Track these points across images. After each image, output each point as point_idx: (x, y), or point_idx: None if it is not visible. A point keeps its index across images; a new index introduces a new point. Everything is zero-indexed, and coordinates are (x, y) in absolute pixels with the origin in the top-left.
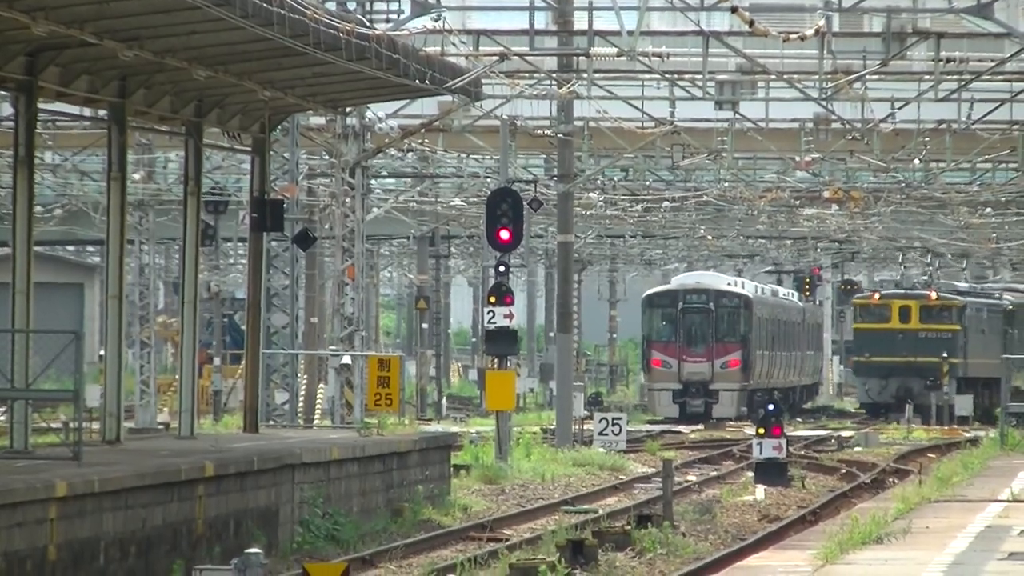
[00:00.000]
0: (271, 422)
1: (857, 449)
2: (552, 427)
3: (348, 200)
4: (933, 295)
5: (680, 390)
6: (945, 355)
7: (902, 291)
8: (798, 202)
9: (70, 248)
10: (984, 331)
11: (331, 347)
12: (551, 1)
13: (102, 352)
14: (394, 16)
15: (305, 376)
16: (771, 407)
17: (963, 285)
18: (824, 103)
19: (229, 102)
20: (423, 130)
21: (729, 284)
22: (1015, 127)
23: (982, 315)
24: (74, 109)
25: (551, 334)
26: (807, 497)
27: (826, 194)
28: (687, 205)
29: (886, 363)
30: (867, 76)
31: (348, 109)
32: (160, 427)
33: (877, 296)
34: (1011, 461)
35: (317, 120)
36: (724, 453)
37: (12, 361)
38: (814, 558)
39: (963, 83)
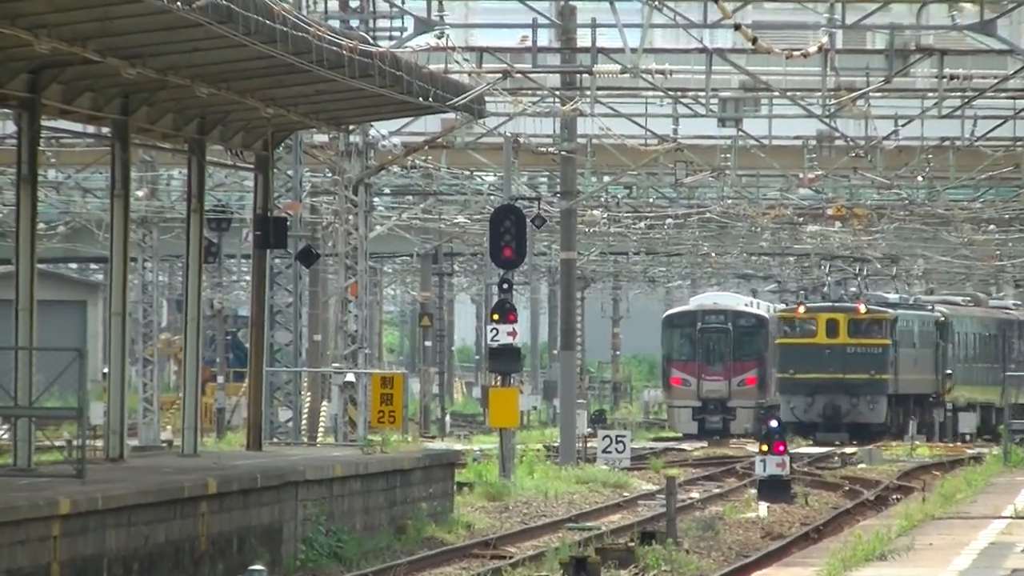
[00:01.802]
0: (274, 439)
1: (860, 466)
2: (555, 444)
3: (351, 217)
4: (862, 308)
5: (699, 407)
6: (874, 372)
7: (828, 304)
8: (801, 219)
9: (73, 266)
10: (915, 344)
11: (335, 364)
12: (554, 18)
13: (105, 370)
14: (397, 33)
15: (308, 393)
16: (774, 424)
17: (893, 296)
18: (827, 120)
19: (232, 119)
20: (426, 147)
21: (746, 304)
22: (1018, 144)
23: (913, 328)
24: (77, 127)
25: (554, 351)
26: (810, 514)
27: (829, 211)
28: (690, 222)
29: (812, 380)
30: (870, 93)
31: (351, 127)
32: (163, 445)
33: (802, 309)
34: (1014, 478)
35: (320, 137)
36: (727, 470)
37: (15, 379)
38: (818, 575)
39: (966, 100)
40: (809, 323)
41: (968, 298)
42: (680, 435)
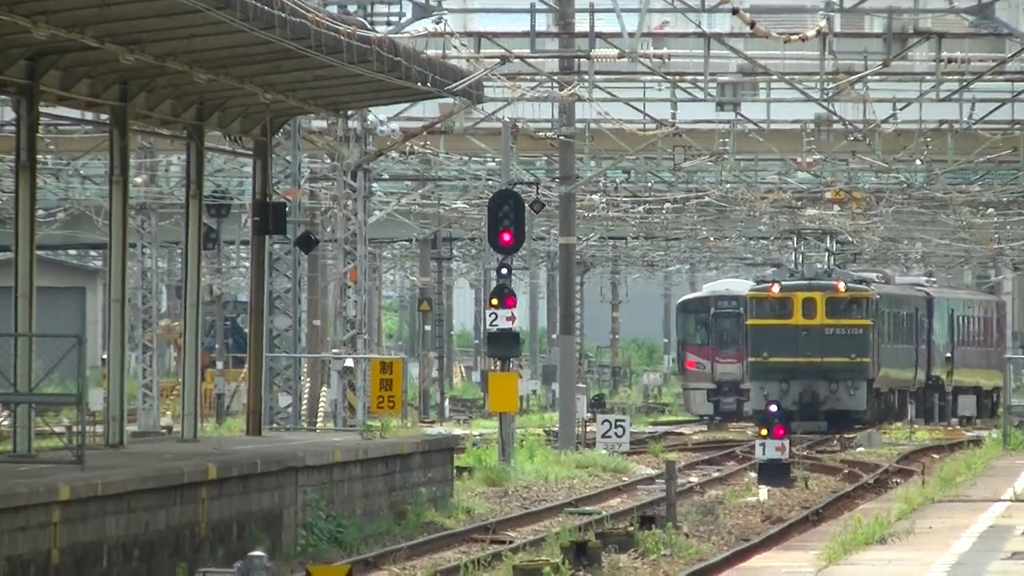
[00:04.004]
0: (274, 425)
1: (860, 449)
2: (555, 429)
3: (350, 203)
4: (841, 286)
5: (713, 389)
6: (854, 355)
7: (805, 282)
8: (800, 203)
9: (72, 252)
10: None
11: (334, 350)
12: (552, 3)
13: (105, 356)
14: (395, 19)
15: (308, 379)
16: (774, 408)
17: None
18: (825, 104)
19: (230, 105)
20: (425, 132)
21: None
22: (1016, 127)
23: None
24: (76, 113)
25: (553, 336)
26: (810, 498)
27: (828, 195)
28: (689, 207)
29: (787, 364)
30: (868, 77)
31: (349, 112)
32: (163, 431)
33: (776, 288)
34: (1014, 461)
35: (319, 123)
36: (727, 454)
37: (15, 365)
38: (817, 559)
39: (964, 83)
40: (784, 303)
41: (880, 275)
42: (684, 418)
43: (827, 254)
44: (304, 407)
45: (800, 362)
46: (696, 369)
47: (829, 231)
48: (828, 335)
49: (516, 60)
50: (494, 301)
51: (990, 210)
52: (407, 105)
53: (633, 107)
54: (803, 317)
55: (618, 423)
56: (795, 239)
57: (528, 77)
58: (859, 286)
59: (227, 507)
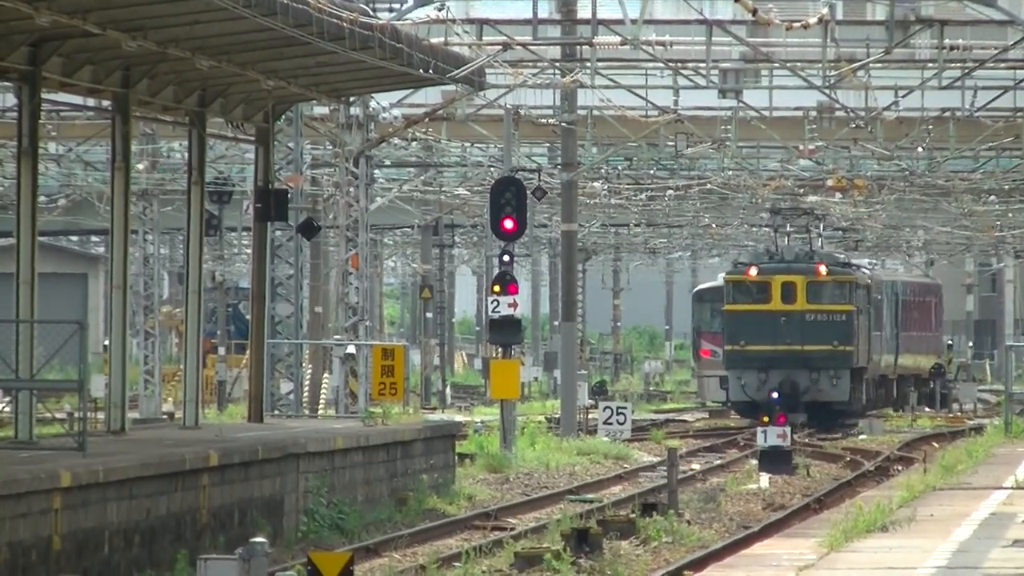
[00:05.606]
0: (276, 412)
1: (861, 437)
2: (557, 416)
3: (352, 190)
4: (823, 269)
5: (727, 377)
6: (836, 342)
7: (784, 264)
8: (802, 190)
9: (74, 238)
10: None
11: (335, 336)
12: None
13: (106, 342)
14: (397, 5)
15: (310, 366)
16: (775, 396)
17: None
18: (827, 91)
19: (232, 92)
20: (427, 119)
21: None
22: (1019, 114)
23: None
24: (78, 99)
25: (555, 323)
26: (811, 485)
27: (829, 182)
28: (691, 194)
29: (766, 353)
30: (870, 64)
31: (352, 99)
32: (164, 417)
33: (754, 271)
34: (1015, 449)
35: (321, 110)
36: (729, 442)
37: (16, 351)
38: (819, 546)
39: (966, 71)
40: (762, 287)
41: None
42: (685, 405)
43: (809, 236)
44: (306, 394)
45: (779, 350)
46: (711, 357)
47: (810, 212)
48: (809, 321)
49: (518, 47)
50: (496, 288)
51: (992, 198)
52: (409, 92)
53: (635, 94)
54: (782, 302)
55: (619, 410)
56: (776, 220)
57: (530, 64)
58: (842, 269)
59: (228, 494)
